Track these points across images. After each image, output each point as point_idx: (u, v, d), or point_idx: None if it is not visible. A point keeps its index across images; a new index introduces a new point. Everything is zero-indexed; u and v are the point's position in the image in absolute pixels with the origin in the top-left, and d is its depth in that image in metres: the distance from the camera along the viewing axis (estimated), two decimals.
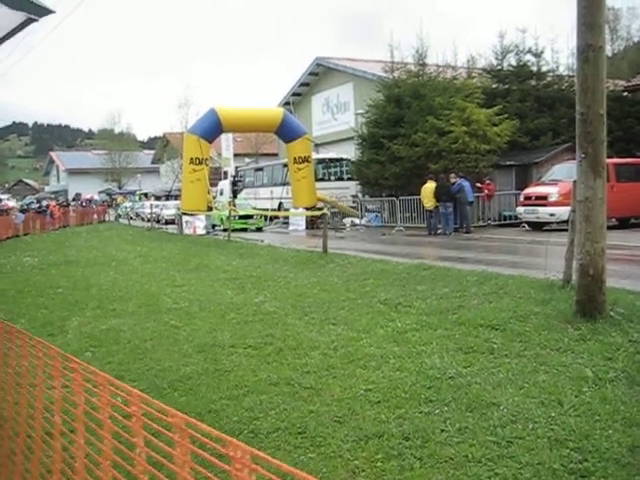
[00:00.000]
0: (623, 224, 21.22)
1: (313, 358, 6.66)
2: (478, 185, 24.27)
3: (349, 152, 33.15)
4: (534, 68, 29.37)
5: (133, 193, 67.35)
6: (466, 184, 22.72)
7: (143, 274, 14.50)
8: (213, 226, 30.61)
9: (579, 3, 7.08)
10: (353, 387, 5.63)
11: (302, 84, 42.88)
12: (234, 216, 27.82)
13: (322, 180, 32.16)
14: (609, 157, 18.88)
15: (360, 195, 31.45)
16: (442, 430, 4.58)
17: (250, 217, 30.36)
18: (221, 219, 29.83)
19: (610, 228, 15.70)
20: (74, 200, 64.27)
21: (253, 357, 6.91)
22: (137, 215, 44.55)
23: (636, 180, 21.14)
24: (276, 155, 46.02)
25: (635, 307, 7.43)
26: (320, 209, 25.19)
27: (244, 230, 28.72)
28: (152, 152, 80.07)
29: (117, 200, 64.43)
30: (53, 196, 69.18)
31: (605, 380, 5.33)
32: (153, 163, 76.87)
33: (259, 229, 30.13)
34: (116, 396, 2.54)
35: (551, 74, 29.60)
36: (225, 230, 27.06)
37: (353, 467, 4.15)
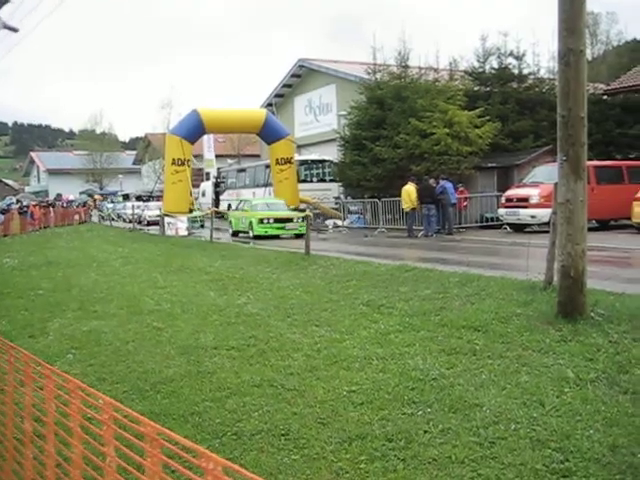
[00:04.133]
0: (603, 226, 21.42)
1: (296, 360, 6.66)
2: (460, 189, 24.44)
3: (331, 153, 33.20)
4: (515, 71, 29.58)
5: (114, 194, 66.91)
6: (449, 186, 22.84)
7: (125, 275, 14.42)
8: (236, 233, 25.52)
9: (560, 8, 7.14)
10: (336, 388, 5.63)
11: (285, 85, 42.86)
12: (267, 219, 22.97)
13: (304, 181, 32.19)
14: (589, 160, 19.06)
15: (342, 197, 31.48)
16: (425, 431, 4.60)
17: (288, 221, 24.25)
18: (250, 223, 24.28)
19: (591, 230, 15.83)
20: (57, 200, 63.69)
21: (236, 359, 6.89)
22: (119, 216, 44.29)
23: (616, 182, 21.35)
24: (258, 156, 45.97)
25: (615, 308, 7.50)
26: (303, 211, 24.89)
27: (274, 237, 23.27)
28: (134, 153, 79.66)
29: (94, 199, 63.87)
30: (35, 197, 68.51)
31: (586, 380, 5.37)
32: (135, 164, 76.48)
33: (299, 236, 22.89)
34: (88, 403, 2.50)
35: (532, 77, 29.83)
36: (236, 234, 25.05)
37: (337, 469, 4.15)
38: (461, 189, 24.64)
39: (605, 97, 28.21)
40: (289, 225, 23.95)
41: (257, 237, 23.23)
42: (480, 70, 29.62)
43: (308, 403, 5.34)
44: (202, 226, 25.75)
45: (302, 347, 7.14)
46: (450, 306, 8.56)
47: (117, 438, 2.22)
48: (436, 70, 29.04)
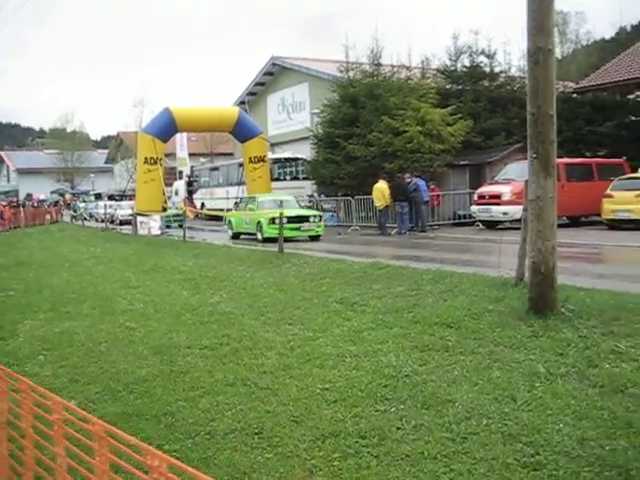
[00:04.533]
0: (574, 222, 21.69)
1: (270, 358, 6.65)
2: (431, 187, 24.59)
3: (305, 152, 33.18)
4: (487, 69, 29.85)
5: (86, 193, 66.22)
6: (421, 183, 22.94)
7: (97, 275, 14.29)
8: (237, 235, 22.81)
9: (529, 7, 7.21)
10: (310, 387, 5.64)
11: (257, 84, 42.72)
12: (280, 219, 17.88)
13: (278, 180, 32.12)
14: (559, 157, 19.27)
15: (316, 195, 31.49)
16: (398, 428, 4.62)
17: (305, 219, 21.07)
18: (257, 223, 21.24)
19: (561, 226, 16.00)
20: (27, 200, 62.88)
21: (209, 358, 6.87)
22: (91, 216, 43.85)
23: (586, 180, 21.62)
24: (232, 155, 45.82)
25: (585, 304, 7.60)
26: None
27: (287, 240, 18.02)
28: (106, 151, 78.89)
29: (65, 198, 63.17)
30: (5, 197, 67.51)
31: (556, 375, 5.44)
32: (107, 163, 75.77)
33: (315, 238, 21.12)
34: (38, 404, 2.48)
35: (503, 75, 30.12)
36: (237, 237, 22.46)
37: (310, 466, 4.16)
38: (432, 187, 24.77)
39: (575, 95, 28.53)
40: (305, 225, 20.94)
41: (267, 240, 20.11)
42: (452, 68, 29.83)
43: (281, 401, 5.34)
44: (181, 226, 24.50)
45: (275, 345, 7.13)
46: (423, 303, 8.61)
47: (68, 438, 2.20)
48: (408, 68, 29.18)
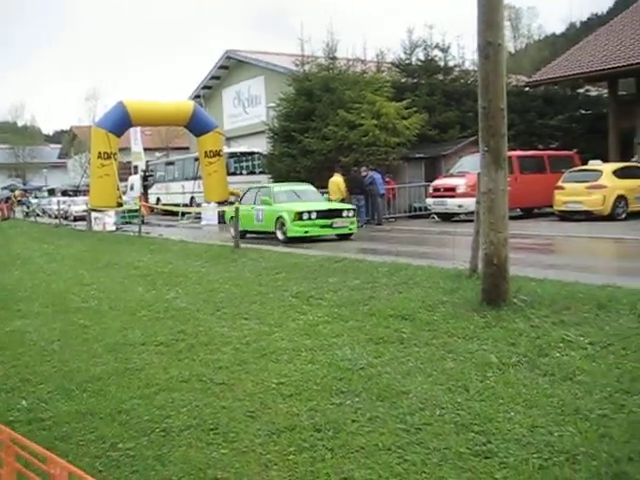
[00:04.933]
0: (527, 214, 22.07)
1: (225, 353, 6.64)
2: (388, 180, 24.75)
3: (261, 146, 33.06)
4: (441, 63, 30.13)
5: (39, 189, 64.95)
6: (377, 176, 23.07)
7: (50, 273, 14.05)
8: (242, 233, 17.48)
9: (479, 2, 7.29)
10: (265, 381, 5.65)
11: (213, 77, 42.42)
12: (309, 213, 16.58)
13: (234, 174, 31.92)
14: (512, 150, 19.56)
15: None
16: (353, 420, 4.66)
17: (337, 214, 17.57)
18: (277, 220, 17.50)
19: (515, 218, 16.24)
20: None
21: (164, 354, 6.82)
22: (44, 212, 43.04)
23: (538, 172, 22.01)
24: (187, 149, 45.39)
25: (537, 294, 7.75)
26: (232, 203, 23.72)
27: (312, 240, 16.77)
28: (59, 146, 77.44)
29: (15, 195, 61.87)
30: None
31: (508, 365, 5.54)
32: (60, 158, 74.38)
33: (347, 236, 17.86)
34: None
35: (457, 69, 30.44)
36: (242, 235, 17.13)
37: (265, 461, 4.17)
38: (388, 180, 24.92)
39: (527, 89, 29.00)
40: (338, 221, 17.40)
41: (292, 240, 16.83)
42: (407, 62, 30.03)
43: (237, 397, 5.33)
44: (143, 221, 24.19)
45: (231, 341, 7.12)
46: (378, 295, 8.68)
47: None
48: (364, 62, 29.26)
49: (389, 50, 31.54)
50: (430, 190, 23.05)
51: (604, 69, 24.21)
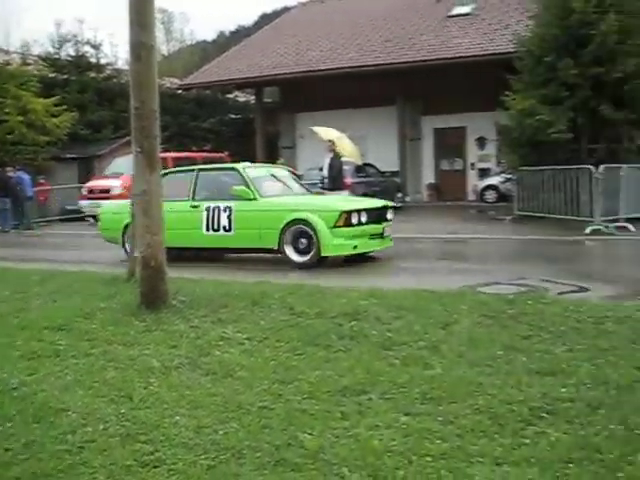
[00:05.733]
0: None
1: None
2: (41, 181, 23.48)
3: None
4: (93, 60, 29.39)
5: None
6: (25, 177, 21.64)
7: None
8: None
9: (130, 2, 7.17)
10: None
11: None
12: (358, 215, 10.53)
13: None
14: (167, 151, 19.72)
15: None
16: (7, 449, 4.22)
17: (384, 215, 11.29)
18: (288, 225, 10.58)
19: None
20: None
21: None
22: None
23: None
24: None
25: (196, 294, 7.88)
26: None
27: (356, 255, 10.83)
28: None
29: None
30: None
31: (171, 368, 5.51)
32: None
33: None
34: None
35: (110, 67, 29.99)
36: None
37: None
38: (42, 181, 23.61)
39: (180, 92, 29.59)
40: (387, 228, 11.31)
41: (323, 258, 10.59)
42: (56, 56, 28.73)
43: None
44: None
45: None
46: (30, 306, 8.07)
47: None
48: (7, 52, 27.37)
49: (36, 42, 29.96)
50: (84, 192, 22.27)
51: (250, 77, 25.74)
